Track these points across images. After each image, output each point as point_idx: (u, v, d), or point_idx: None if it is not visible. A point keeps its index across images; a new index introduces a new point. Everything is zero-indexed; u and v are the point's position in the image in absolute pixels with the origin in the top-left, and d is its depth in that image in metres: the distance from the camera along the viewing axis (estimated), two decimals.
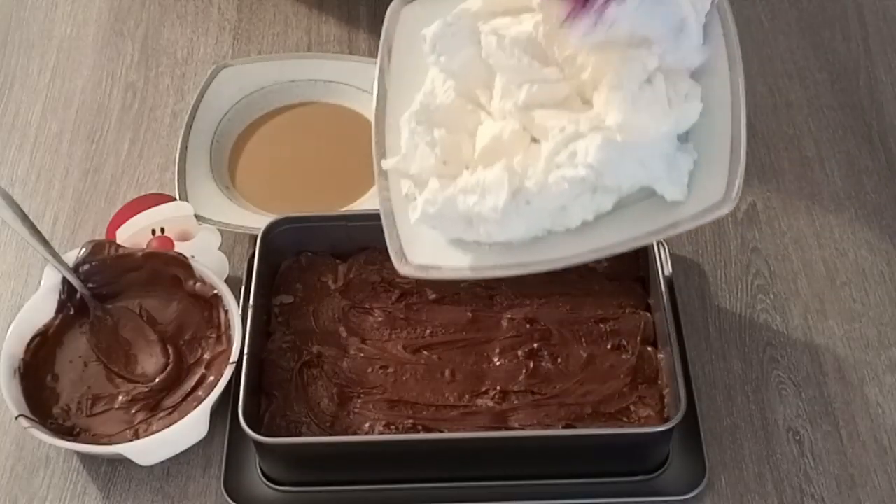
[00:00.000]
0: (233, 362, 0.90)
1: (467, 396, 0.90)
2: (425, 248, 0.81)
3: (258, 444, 0.86)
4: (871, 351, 0.96)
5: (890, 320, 0.98)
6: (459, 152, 0.83)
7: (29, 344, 0.93)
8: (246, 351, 0.89)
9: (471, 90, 0.85)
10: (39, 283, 0.96)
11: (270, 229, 0.96)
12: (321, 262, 0.98)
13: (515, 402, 0.89)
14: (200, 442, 0.90)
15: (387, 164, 0.83)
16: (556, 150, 0.77)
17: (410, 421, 0.88)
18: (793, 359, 0.96)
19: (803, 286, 1.00)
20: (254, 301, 0.92)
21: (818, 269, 1.02)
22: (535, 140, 0.81)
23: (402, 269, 0.81)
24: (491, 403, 0.89)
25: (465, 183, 0.79)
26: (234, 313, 0.93)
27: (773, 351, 0.96)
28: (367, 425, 0.88)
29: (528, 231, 0.79)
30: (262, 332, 0.93)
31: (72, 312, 0.96)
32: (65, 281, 0.95)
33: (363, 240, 0.97)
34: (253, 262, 0.94)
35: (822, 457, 0.91)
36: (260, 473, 0.90)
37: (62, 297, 0.95)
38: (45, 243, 0.96)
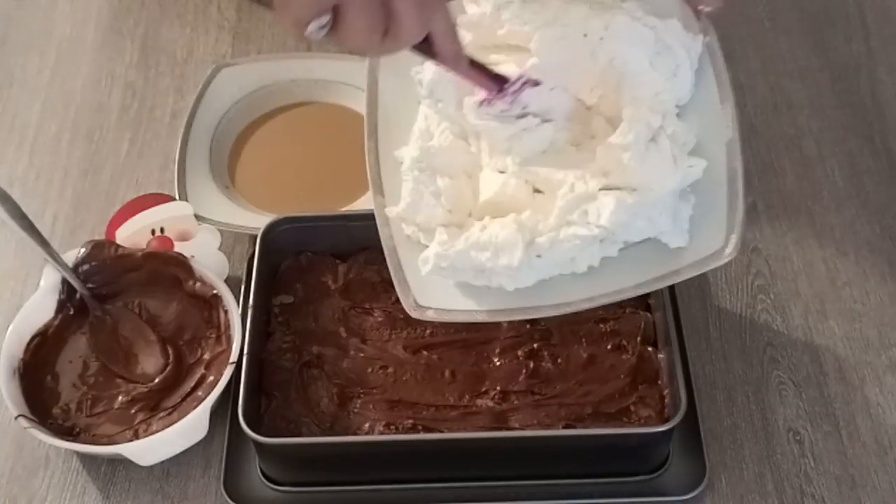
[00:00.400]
0: (232, 362, 0.90)
1: (467, 397, 0.90)
2: (434, 290, 0.83)
3: (258, 445, 0.86)
4: (871, 351, 0.96)
5: (890, 321, 0.98)
6: (462, 198, 0.84)
7: (28, 344, 0.93)
8: (246, 351, 0.88)
9: (467, 133, 0.87)
10: (39, 283, 0.96)
11: (270, 229, 0.95)
12: (321, 262, 0.98)
13: (515, 402, 0.89)
14: (200, 442, 0.90)
15: (391, 212, 0.84)
16: (568, 209, 0.80)
17: (410, 421, 0.88)
18: (793, 359, 0.96)
19: (804, 286, 1.00)
20: (254, 301, 0.92)
21: (819, 270, 1.01)
22: (537, 191, 0.83)
23: (413, 312, 0.82)
24: (491, 404, 0.89)
25: (476, 238, 0.80)
26: (234, 313, 0.93)
27: (773, 351, 0.96)
28: (367, 425, 0.88)
29: (537, 279, 0.81)
30: (261, 333, 0.93)
31: (71, 312, 0.96)
32: (64, 281, 0.95)
33: (363, 240, 0.96)
34: (253, 261, 0.94)
35: (822, 457, 0.90)
36: (260, 474, 0.90)
37: (62, 297, 0.95)
38: (45, 243, 0.96)
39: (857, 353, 0.96)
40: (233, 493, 0.89)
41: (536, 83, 0.83)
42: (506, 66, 0.84)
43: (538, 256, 0.79)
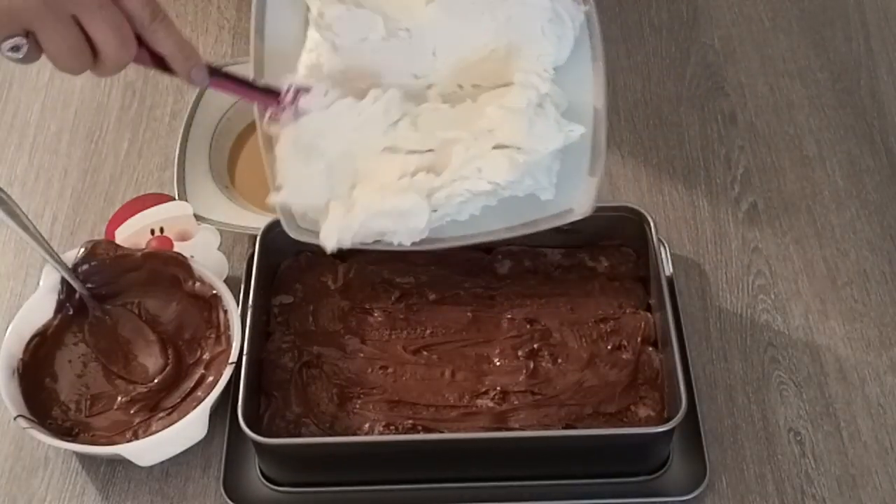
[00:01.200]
0: (232, 362, 0.90)
1: (467, 397, 0.90)
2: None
3: (257, 445, 0.86)
4: (872, 351, 0.96)
5: (891, 320, 0.98)
6: (346, 170, 0.85)
7: (28, 344, 0.93)
8: (245, 351, 0.88)
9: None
10: (38, 283, 0.96)
11: (270, 229, 0.95)
12: (321, 262, 0.98)
13: (515, 402, 0.89)
14: (200, 442, 0.90)
15: (278, 198, 0.84)
16: (462, 166, 0.83)
17: (410, 421, 0.88)
18: (794, 359, 0.96)
19: (804, 286, 1.00)
20: (253, 301, 0.92)
21: (819, 269, 1.01)
22: (429, 151, 0.85)
23: (292, 233, 0.84)
24: (491, 404, 0.89)
25: (379, 208, 0.83)
26: (234, 313, 0.93)
27: (774, 351, 0.96)
28: (366, 426, 0.88)
29: (430, 229, 0.85)
30: (261, 333, 0.93)
31: (71, 312, 0.95)
32: (64, 281, 0.95)
33: None
34: (252, 261, 0.94)
35: (823, 457, 0.90)
36: (259, 474, 0.90)
37: (61, 297, 0.95)
38: (44, 243, 0.96)
39: (858, 352, 0.96)
40: (232, 494, 0.89)
41: (307, 89, 0.83)
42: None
43: (434, 211, 0.83)
